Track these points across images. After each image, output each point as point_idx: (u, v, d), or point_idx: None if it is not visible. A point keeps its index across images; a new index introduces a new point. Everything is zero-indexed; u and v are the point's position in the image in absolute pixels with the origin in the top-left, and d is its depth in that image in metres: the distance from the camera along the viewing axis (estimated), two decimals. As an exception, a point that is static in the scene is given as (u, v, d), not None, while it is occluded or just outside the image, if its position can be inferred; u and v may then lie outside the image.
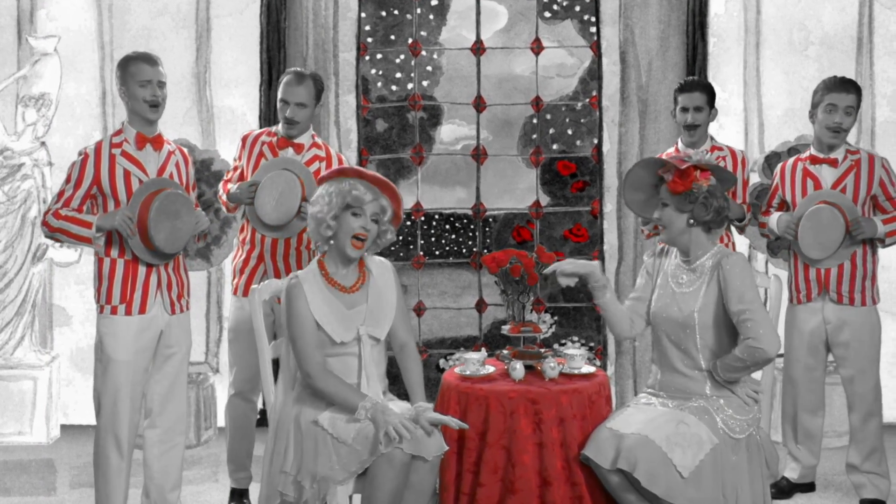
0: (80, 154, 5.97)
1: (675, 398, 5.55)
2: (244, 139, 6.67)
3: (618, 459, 5.26)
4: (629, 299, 5.85)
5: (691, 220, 5.56)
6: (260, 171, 6.49)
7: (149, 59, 6.10)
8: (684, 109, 7.21)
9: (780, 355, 7.12)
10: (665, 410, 5.51)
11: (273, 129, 6.75)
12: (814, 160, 6.76)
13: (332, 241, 5.45)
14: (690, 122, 7.17)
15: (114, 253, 5.88)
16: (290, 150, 6.66)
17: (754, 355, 5.30)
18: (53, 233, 5.73)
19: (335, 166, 6.57)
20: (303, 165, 6.54)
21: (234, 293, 6.64)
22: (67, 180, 5.91)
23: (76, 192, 5.83)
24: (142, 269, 5.90)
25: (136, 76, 6.00)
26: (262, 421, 7.08)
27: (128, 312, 5.80)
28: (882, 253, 6.91)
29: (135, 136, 5.98)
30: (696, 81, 7.38)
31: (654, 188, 5.70)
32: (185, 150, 6.26)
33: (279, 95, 6.64)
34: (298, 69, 7.04)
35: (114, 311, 5.88)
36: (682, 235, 5.58)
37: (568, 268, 5.74)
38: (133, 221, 5.77)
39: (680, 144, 7.29)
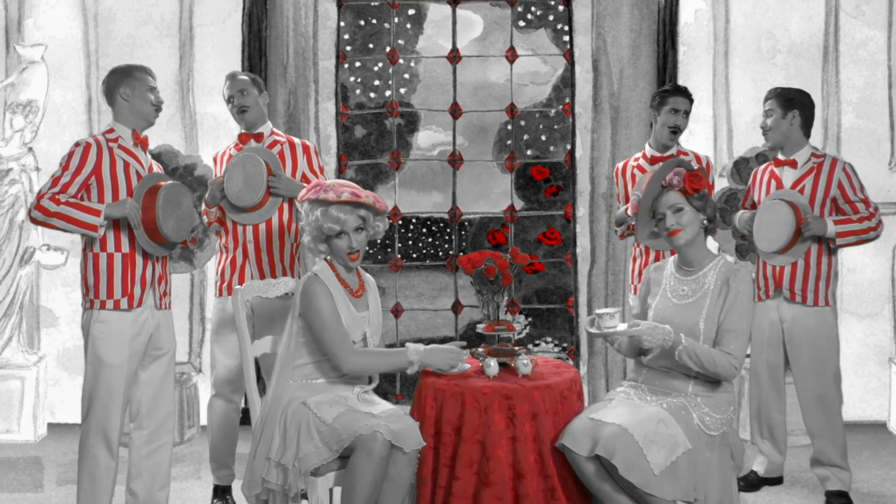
0: (77, 144, 5.97)
1: (657, 393, 5.61)
2: (215, 159, 6.78)
3: (595, 447, 5.29)
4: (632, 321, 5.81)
5: (705, 221, 5.64)
6: (225, 168, 6.62)
7: (151, 72, 6.24)
8: (675, 111, 7.26)
9: (747, 356, 7.27)
10: (645, 406, 5.54)
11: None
12: (777, 163, 6.87)
13: (327, 257, 5.63)
14: (678, 125, 7.26)
15: (110, 247, 5.87)
16: (252, 142, 6.75)
17: (723, 367, 5.42)
18: (49, 217, 5.65)
19: (299, 151, 6.78)
20: (261, 147, 6.65)
21: (218, 294, 6.66)
22: (65, 168, 5.89)
23: (74, 179, 5.80)
24: (139, 262, 5.93)
25: (146, 82, 6.12)
26: (245, 420, 7.13)
27: (129, 306, 5.86)
28: (848, 256, 6.99)
29: (131, 133, 6.04)
30: (685, 88, 7.44)
31: (650, 207, 5.77)
32: (159, 163, 6.39)
33: (225, 99, 6.77)
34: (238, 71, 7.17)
35: (116, 304, 5.86)
36: (696, 238, 5.63)
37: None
38: (139, 211, 5.83)
39: (648, 150, 7.36)
